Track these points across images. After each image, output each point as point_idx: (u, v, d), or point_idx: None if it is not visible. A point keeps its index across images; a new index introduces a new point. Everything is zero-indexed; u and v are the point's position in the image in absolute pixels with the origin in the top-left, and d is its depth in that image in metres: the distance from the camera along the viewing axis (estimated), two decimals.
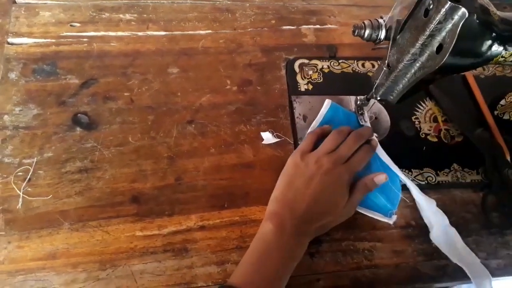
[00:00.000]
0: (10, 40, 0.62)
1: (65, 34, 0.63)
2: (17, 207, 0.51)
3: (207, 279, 0.50)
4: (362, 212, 0.56)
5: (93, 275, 0.49)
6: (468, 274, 0.53)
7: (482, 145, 0.63)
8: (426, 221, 0.57)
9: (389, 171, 0.57)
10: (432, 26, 0.43)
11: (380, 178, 0.54)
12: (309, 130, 0.59)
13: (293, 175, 0.52)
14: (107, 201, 0.53)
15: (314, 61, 0.67)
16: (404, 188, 0.58)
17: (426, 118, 0.65)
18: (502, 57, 0.46)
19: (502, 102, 0.65)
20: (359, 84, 0.65)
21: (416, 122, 0.64)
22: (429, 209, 0.56)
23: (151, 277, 0.50)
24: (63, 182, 0.54)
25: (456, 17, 0.41)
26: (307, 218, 0.49)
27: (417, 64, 0.48)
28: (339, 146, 0.54)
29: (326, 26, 0.72)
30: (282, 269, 0.46)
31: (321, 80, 0.65)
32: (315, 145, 0.56)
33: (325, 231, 0.53)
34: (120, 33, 0.65)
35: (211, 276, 0.51)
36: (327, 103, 0.61)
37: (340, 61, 0.68)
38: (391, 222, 0.55)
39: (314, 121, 0.60)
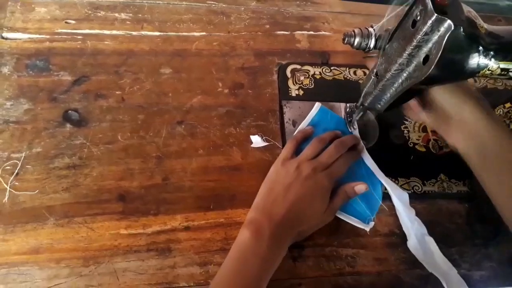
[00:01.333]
0: (5, 34, 0.62)
1: (59, 30, 0.64)
2: (4, 200, 0.52)
3: (189, 280, 0.51)
4: (340, 217, 0.56)
5: (76, 271, 0.49)
6: (444, 285, 0.53)
7: None
8: (404, 228, 0.57)
9: (372, 178, 0.58)
10: (419, 37, 0.44)
11: (361, 187, 0.54)
12: (295, 132, 0.60)
13: (273, 181, 0.53)
14: (93, 198, 0.53)
15: (306, 67, 0.67)
16: (388, 196, 0.58)
17: (415, 127, 0.66)
18: (488, 70, 0.47)
19: None
20: (350, 92, 0.65)
21: (405, 131, 0.65)
22: (407, 217, 0.56)
23: (134, 275, 0.50)
24: (50, 178, 0.54)
25: (442, 29, 0.41)
26: (286, 224, 0.49)
27: (404, 74, 0.48)
28: (321, 153, 0.55)
29: (320, 32, 0.73)
30: (260, 275, 0.46)
31: (313, 86, 0.66)
32: (299, 150, 0.56)
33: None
34: (114, 32, 0.65)
35: (193, 276, 0.51)
36: (317, 105, 0.61)
37: (332, 68, 0.68)
38: (367, 229, 0.56)
39: (302, 122, 0.60)
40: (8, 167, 0.54)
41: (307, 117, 0.61)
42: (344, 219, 0.56)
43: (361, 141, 0.59)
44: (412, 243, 0.56)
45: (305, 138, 0.58)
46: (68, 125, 0.57)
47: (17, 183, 0.53)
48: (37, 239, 0.50)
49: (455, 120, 0.48)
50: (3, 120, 0.56)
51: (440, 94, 0.49)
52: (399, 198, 0.56)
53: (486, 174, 0.47)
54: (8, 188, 0.52)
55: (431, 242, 0.55)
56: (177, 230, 0.53)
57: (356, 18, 0.75)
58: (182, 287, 0.50)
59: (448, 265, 0.54)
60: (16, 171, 0.54)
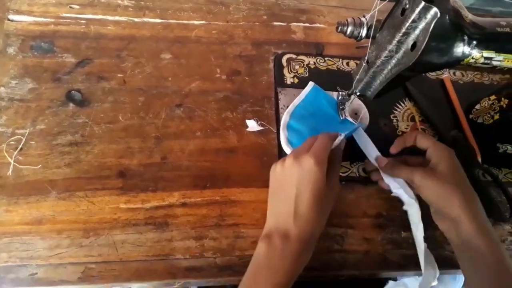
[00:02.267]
0: (11, 17, 0.64)
1: (64, 15, 0.66)
2: (8, 173, 0.54)
3: (185, 252, 0.53)
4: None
5: (76, 242, 0.51)
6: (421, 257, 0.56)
7: (456, 146, 0.66)
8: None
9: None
10: (407, 24, 0.47)
11: (334, 136, 0.53)
12: (287, 109, 0.62)
13: (274, 191, 0.51)
14: (94, 173, 0.56)
15: (301, 57, 0.70)
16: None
17: (404, 117, 0.69)
18: (472, 58, 0.50)
19: (477, 106, 0.69)
20: (342, 81, 0.67)
21: (394, 120, 0.68)
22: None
23: (132, 247, 0.52)
24: (53, 154, 0.56)
25: (428, 16, 0.44)
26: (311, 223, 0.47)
27: (393, 61, 0.51)
28: None
29: (315, 25, 0.75)
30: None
31: (307, 75, 0.68)
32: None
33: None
34: (117, 18, 0.68)
35: (189, 249, 0.53)
36: (310, 84, 0.64)
37: (326, 58, 0.71)
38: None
39: (295, 99, 0.63)
40: (12, 142, 0.56)
41: (300, 94, 0.63)
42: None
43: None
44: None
45: None
46: (71, 105, 0.60)
47: (20, 158, 0.55)
48: (39, 210, 0.53)
49: (440, 208, 0.53)
50: (8, 97, 0.58)
51: (428, 187, 0.52)
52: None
53: (462, 261, 0.52)
54: (12, 162, 0.54)
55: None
56: (174, 206, 0.55)
57: (350, 12, 0.78)
58: (178, 259, 0.52)
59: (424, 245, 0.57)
60: (20, 146, 0.56)
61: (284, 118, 0.62)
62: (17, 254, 0.50)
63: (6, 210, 0.52)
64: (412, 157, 0.59)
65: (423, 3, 0.44)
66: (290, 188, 0.48)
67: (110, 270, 0.51)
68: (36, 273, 0.49)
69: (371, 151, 0.60)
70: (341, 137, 0.54)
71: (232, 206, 0.57)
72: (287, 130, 0.60)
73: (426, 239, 0.58)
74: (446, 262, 0.59)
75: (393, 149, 0.59)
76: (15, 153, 0.55)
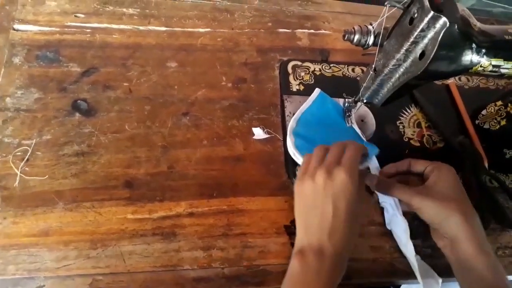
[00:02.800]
0: (16, 26, 0.64)
1: (69, 24, 0.66)
2: (14, 185, 0.54)
3: (193, 263, 0.53)
4: None
5: (84, 253, 0.51)
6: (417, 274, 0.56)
7: (462, 152, 0.66)
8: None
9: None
10: (416, 33, 0.46)
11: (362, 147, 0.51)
12: (294, 116, 0.62)
13: (305, 207, 0.49)
14: (101, 184, 0.55)
15: (306, 64, 0.70)
16: None
17: (410, 123, 0.68)
18: (481, 66, 0.49)
19: (484, 112, 0.69)
20: (348, 88, 0.67)
21: (401, 127, 0.68)
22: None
23: (139, 258, 0.52)
24: (60, 164, 0.56)
25: (437, 26, 0.44)
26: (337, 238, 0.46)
27: (401, 69, 0.51)
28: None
29: (320, 31, 0.75)
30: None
31: (312, 82, 0.68)
32: None
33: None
34: (122, 26, 0.68)
35: (197, 260, 0.53)
36: (316, 91, 0.64)
37: (331, 65, 0.71)
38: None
39: (302, 106, 0.63)
40: (19, 153, 0.56)
41: (307, 101, 0.63)
42: None
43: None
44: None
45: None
46: (77, 114, 0.59)
47: (27, 169, 0.55)
48: (46, 222, 0.52)
49: (439, 227, 0.52)
50: (14, 108, 0.58)
51: (428, 208, 0.51)
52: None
53: (461, 281, 0.51)
54: (18, 173, 0.54)
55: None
56: (181, 216, 0.55)
57: (355, 18, 0.78)
58: (186, 269, 0.52)
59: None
60: (27, 157, 0.55)
61: (291, 124, 0.62)
62: (24, 266, 0.50)
63: (13, 222, 0.52)
64: (412, 176, 0.58)
65: (432, 12, 0.44)
66: (326, 204, 0.46)
67: (118, 281, 0.51)
68: (44, 286, 0.49)
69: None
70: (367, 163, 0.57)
71: (240, 215, 0.57)
72: (294, 136, 0.60)
73: (430, 246, 0.58)
74: (451, 271, 0.58)
75: (385, 169, 0.58)
76: (22, 164, 0.55)
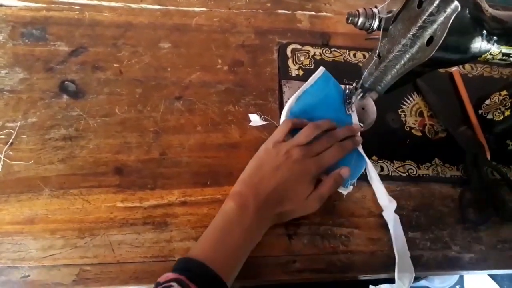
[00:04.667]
0: (0, 1, 0.60)
1: (57, 0, 0.62)
2: None
3: (185, 254, 0.50)
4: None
5: (71, 243, 0.49)
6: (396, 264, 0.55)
7: (464, 143, 0.64)
8: (380, 201, 0.58)
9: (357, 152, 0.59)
10: (424, 17, 0.44)
11: (345, 171, 0.55)
12: (296, 93, 0.60)
13: (262, 160, 0.53)
14: (89, 170, 0.53)
15: (306, 47, 0.67)
16: (385, 179, 0.59)
17: (412, 112, 0.66)
18: (490, 54, 0.47)
19: (487, 102, 0.67)
20: (349, 74, 0.65)
21: (402, 115, 0.65)
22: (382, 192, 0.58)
23: (129, 248, 0.50)
24: (46, 149, 0.53)
25: (448, 10, 0.41)
26: (270, 201, 0.50)
27: (407, 56, 0.48)
28: (313, 141, 0.55)
29: (321, 13, 0.72)
30: (242, 247, 0.48)
31: (312, 67, 0.66)
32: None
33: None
34: (113, 4, 0.64)
35: (189, 250, 0.51)
36: (320, 70, 0.61)
37: (332, 49, 0.68)
38: (345, 192, 0.57)
39: (304, 84, 0.60)
40: (3, 136, 0.53)
41: (309, 79, 0.60)
42: None
43: (358, 135, 0.60)
44: (386, 215, 0.57)
45: (300, 126, 0.57)
46: (64, 96, 0.57)
47: (11, 153, 0.52)
48: (31, 209, 0.50)
49: None
50: None
51: None
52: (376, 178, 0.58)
53: None
54: (2, 157, 0.52)
55: (396, 219, 0.57)
56: (174, 205, 0.53)
57: (357, 1, 0.75)
58: None
59: (404, 248, 0.56)
60: (11, 140, 0.53)
61: (290, 101, 0.59)
62: (8, 255, 0.47)
63: None
64: None
65: None
66: (281, 172, 0.51)
67: (107, 272, 0.49)
68: (29, 276, 0.47)
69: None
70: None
71: None
72: (290, 117, 0.58)
73: (429, 239, 0.57)
74: (451, 263, 0.57)
75: None
76: (5, 147, 0.52)
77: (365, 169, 0.59)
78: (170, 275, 0.43)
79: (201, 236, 0.48)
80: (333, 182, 0.54)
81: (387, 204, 0.57)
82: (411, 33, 0.46)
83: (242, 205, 0.49)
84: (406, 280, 0.54)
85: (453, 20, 0.41)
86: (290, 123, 0.57)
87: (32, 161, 0.52)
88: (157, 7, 0.66)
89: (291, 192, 0.52)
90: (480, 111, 0.68)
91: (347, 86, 0.61)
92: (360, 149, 0.59)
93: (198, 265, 0.44)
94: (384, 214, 0.57)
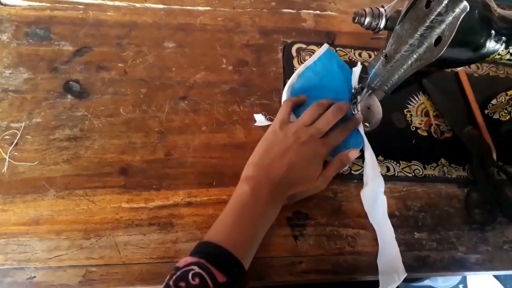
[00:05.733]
0: (4, 1, 0.60)
1: None
2: (3, 170, 0.51)
3: None
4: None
5: (77, 243, 0.49)
6: (378, 239, 0.55)
7: (470, 143, 0.63)
8: (364, 177, 0.58)
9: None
10: (432, 17, 0.44)
11: (353, 153, 0.57)
12: (297, 70, 0.60)
13: (271, 143, 0.54)
14: (94, 171, 0.53)
15: (311, 47, 0.67)
16: (391, 179, 0.59)
17: (418, 112, 0.66)
18: (498, 54, 0.47)
19: (494, 101, 0.66)
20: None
21: (408, 115, 0.65)
22: (372, 169, 0.58)
23: (135, 249, 0.50)
24: (50, 149, 0.53)
25: (457, 10, 0.41)
26: (282, 184, 0.51)
27: (414, 56, 0.48)
28: (318, 118, 0.56)
29: (326, 12, 0.72)
30: (258, 229, 0.49)
31: None
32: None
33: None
34: (117, 3, 0.64)
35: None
36: (324, 46, 0.62)
37: (337, 48, 0.67)
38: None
39: (307, 60, 0.61)
40: (7, 137, 0.53)
41: (313, 56, 0.61)
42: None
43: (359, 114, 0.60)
44: (365, 192, 0.57)
45: (300, 104, 0.59)
46: (69, 96, 0.56)
47: (16, 153, 0.52)
48: (37, 210, 0.50)
49: None
50: (2, 88, 0.55)
51: None
52: (372, 157, 0.58)
53: None
54: (7, 158, 0.51)
55: (382, 201, 0.57)
56: (179, 206, 0.53)
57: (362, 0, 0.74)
58: None
59: (390, 230, 0.56)
60: (16, 141, 0.52)
61: (292, 78, 0.60)
62: (14, 256, 0.47)
63: (1, 210, 0.49)
64: None
65: None
66: (291, 154, 0.52)
67: (113, 273, 0.48)
68: (35, 277, 0.47)
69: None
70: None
71: None
72: (291, 93, 0.58)
73: (436, 240, 0.57)
74: (458, 264, 0.57)
75: None
76: (10, 148, 0.52)
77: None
78: (189, 259, 0.43)
79: (216, 221, 0.48)
80: (340, 163, 0.56)
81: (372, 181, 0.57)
82: (418, 33, 0.46)
83: (256, 188, 0.49)
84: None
85: (461, 20, 0.41)
86: (290, 102, 0.58)
87: (37, 161, 0.52)
88: (161, 6, 0.65)
89: (303, 174, 0.53)
90: (486, 111, 0.67)
91: (353, 86, 0.61)
92: (361, 128, 0.59)
93: (216, 247, 0.44)
94: (364, 192, 0.57)
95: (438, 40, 0.44)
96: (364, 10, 0.51)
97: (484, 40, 0.45)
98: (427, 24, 0.44)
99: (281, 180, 0.50)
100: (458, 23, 0.41)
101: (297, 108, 0.59)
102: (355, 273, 0.53)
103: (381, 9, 0.51)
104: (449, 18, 0.42)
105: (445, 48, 0.42)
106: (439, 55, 0.43)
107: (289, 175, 0.51)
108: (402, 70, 0.50)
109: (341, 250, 0.54)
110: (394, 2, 0.50)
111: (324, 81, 0.62)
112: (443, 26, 0.43)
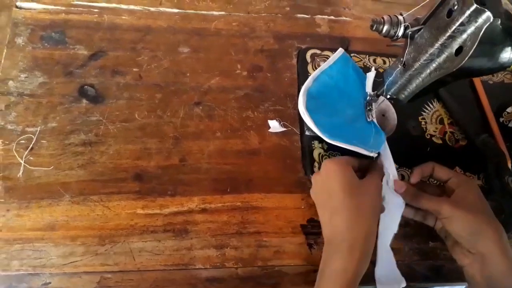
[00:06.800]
0: (19, 4, 0.60)
1: (75, 2, 0.62)
2: (18, 175, 0.51)
3: (205, 262, 0.50)
4: (347, 147, 0.55)
5: (92, 250, 0.49)
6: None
7: (486, 151, 0.63)
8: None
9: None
10: (454, 27, 0.43)
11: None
12: (313, 74, 0.60)
13: (319, 207, 0.53)
14: (109, 176, 0.53)
15: (326, 52, 0.66)
16: None
17: (433, 119, 0.65)
18: None
19: (509, 109, 0.66)
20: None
21: (423, 123, 0.65)
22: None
23: (150, 256, 0.50)
24: (66, 154, 0.53)
25: (480, 20, 0.41)
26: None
27: (434, 65, 0.47)
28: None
29: (341, 18, 0.71)
30: None
31: None
32: None
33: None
34: (132, 7, 0.63)
35: (210, 259, 0.51)
36: (339, 51, 0.62)
37: (352, 54, 0.67)
38: (372, 154, 0.56)
39: (322, 65, 0.61)
40: (23, 141, 0.53)
41: (328, 60, 0.61)
42: (352, 149, 0.55)
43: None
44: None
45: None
46: (84, 101, 0.56)
47: (31, 158, 0.52)
48: (52, 215, 0.50)
49: (469, 242, 0.49)
50: (18, 92, 0.55)
51: (459, 219, 0.49)
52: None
53: None
54: (22, 162, 0.51)
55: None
56: (194, 212, 0.53)
57: (377, 5, 0.74)
58: (198, 269, 0.50)
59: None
60: (31, 145, 0.52)
61: (308, 82, 0.59)
62: (29, 262, 0.47)
63: (17, 215, 0.49)
64: (430, 185, 0.58)
65: (474, 5, 0.40)
66: (325, 194, 0.51)
67: (127, 280, 0.48)
68: (50, 283, 0.47)
69: (390, 167, 0.56)
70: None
71: (254, 213, 0.54)
72: (307, 96, 0.58)
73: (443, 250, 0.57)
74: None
75: (413, 180, 0.55)
76: (26, 152, 0.52)
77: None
78: None
79: None
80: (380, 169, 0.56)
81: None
82: (439, 43, 0.45)
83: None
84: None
85: (484, 31, 0.40)
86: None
87: (52, 166, 0.52)
88: (176, 10, 0.65)
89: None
90: (501, 119, 0.67)
91: (368, 92, 0.60)
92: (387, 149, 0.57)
93: None
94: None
95: (459, 50, 0.43)
96: (383, 18, 0.50)
97: (506, 50, 0.44)
98: (448, 33, 0.44)
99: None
100: (481, 33, 0.40)
101: (315, 111, 0.57)
102: (369, 282, 0.53)
103: (400, 17, 0.50)
104: (471, 28, 0.42)
105: (466, 59, 0.42)
106: (460, 65, 0.43)
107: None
108: (420, 79, 0.50)
109: None
110: (413, 10, 0.49)
111: (339, 85, 0.61)
112: (464, 36, 0.43)
